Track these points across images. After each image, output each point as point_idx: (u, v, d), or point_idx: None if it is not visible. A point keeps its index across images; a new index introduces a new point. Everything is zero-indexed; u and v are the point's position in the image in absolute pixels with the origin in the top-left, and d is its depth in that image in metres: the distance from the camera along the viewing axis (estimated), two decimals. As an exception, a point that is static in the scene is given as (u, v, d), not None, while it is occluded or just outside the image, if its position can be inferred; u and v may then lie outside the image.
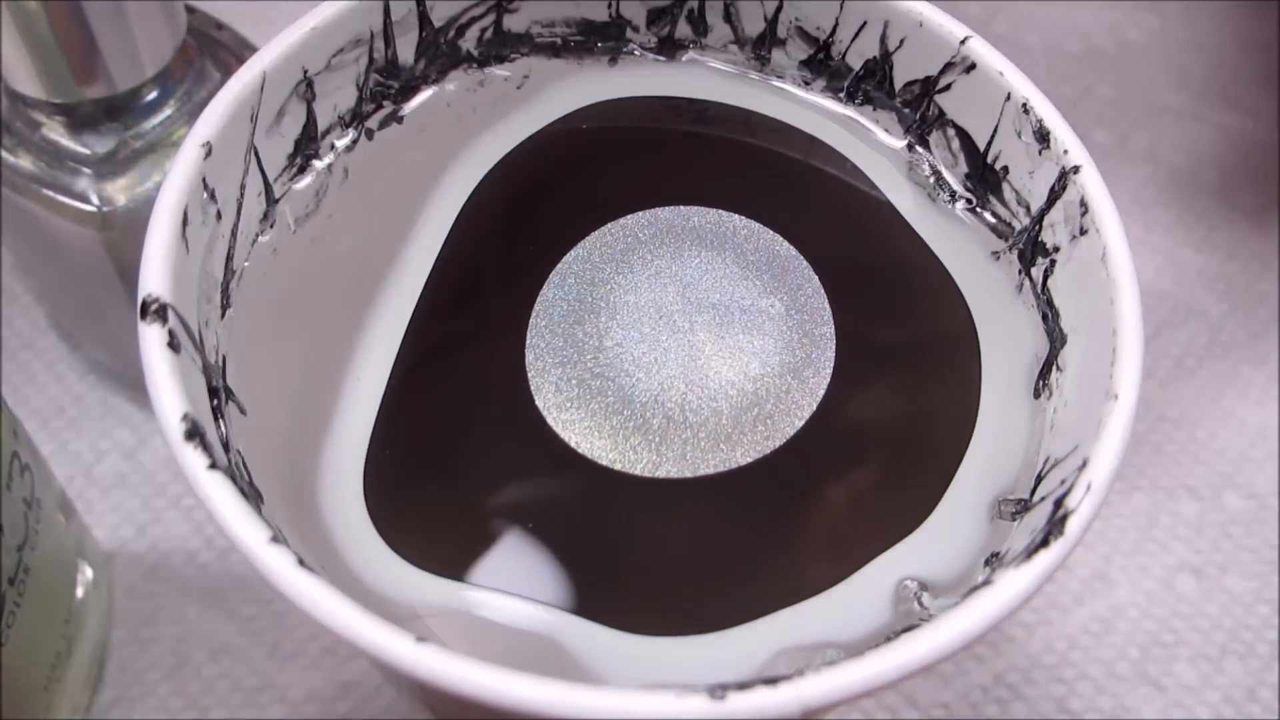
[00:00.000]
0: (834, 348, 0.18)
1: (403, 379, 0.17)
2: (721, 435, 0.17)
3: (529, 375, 0.17)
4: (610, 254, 0.19)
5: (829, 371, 0.18)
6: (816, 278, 0.19)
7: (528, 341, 0.18)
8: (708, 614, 0.16)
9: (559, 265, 0.19)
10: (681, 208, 0.19)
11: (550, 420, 0.17)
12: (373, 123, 0.19)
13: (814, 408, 0.17)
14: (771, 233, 0.19)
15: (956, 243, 0.19)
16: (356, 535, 0.16)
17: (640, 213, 0.19)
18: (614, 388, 0.17)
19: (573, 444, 0.17)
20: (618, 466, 0.17)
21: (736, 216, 0.19)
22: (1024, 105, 0.18)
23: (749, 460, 0.17)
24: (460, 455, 0.17)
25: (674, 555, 0.16)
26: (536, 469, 0.17)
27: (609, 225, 0.19)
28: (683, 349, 0.18)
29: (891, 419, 0.17)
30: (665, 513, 0.16)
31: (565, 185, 0.20)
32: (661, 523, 0.16)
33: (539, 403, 0.17)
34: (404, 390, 0.17)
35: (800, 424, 0.17)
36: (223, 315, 0.17)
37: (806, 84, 0.21)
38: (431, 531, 0.16)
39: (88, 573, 0.26)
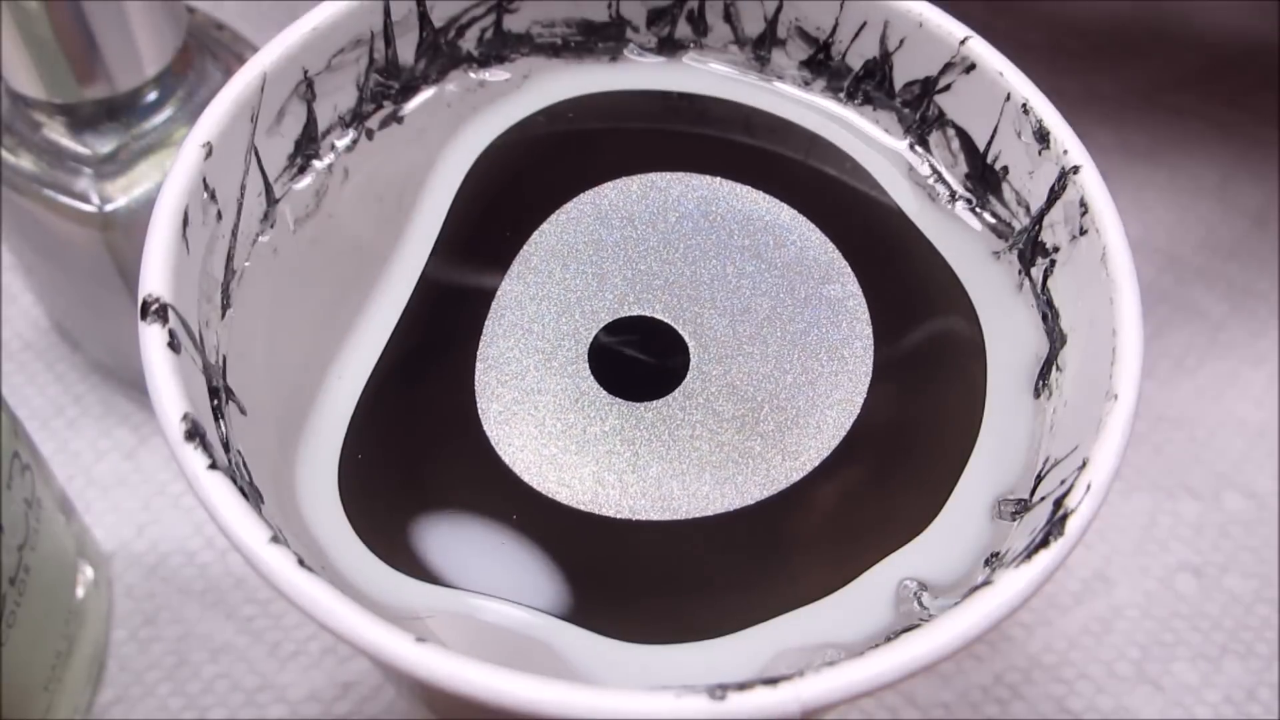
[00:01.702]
0: (871, 362, 0.17)
1: (380, 383, 0.17)
2: (721, 474, 0.16)
3: (476, 393, 0.17)
4: (579, 231, 0.18)
5: (861, 394, 0.17)
6: (849, 267, 0.18)
7: (479, 352, 0.17)
8: (706, 623, 0.15)
9: (520, 252, 0.18)
10: (666, 173, 0.19)
11: (499, 450, 0.16)
12: (373, 123, 0.19)
13: (838, 440, 0.17)
14: (792, 211, 0.18)
15: (958, 243, 0.19)
16: (337, 537, 0.16)
17: (616, 181, 0.19)
18: (582, 406, 0.17)
19: (527, 479, 0.16)
20: (586, 508, 0.16)
21: (742, 186, 0.18)
22: (1024, 105, 0.18)
23: (750, 502, 0.16)
24: (423, 468, 0.17)
25: (667, 569, 0.16)
26: (493, 496, 0.16)
27: (579, 198, 0.18)
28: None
29: (899, 422, 0.17)
30: (649, 539, 0.16)
31: (544, 172, 0.19)
32: (648, 545, 0.16)
33: (487, 428, 0.17)
34: (378, 395, 0.17)
35: (820, 459, 0.17)
36: (223, 315, 0.17)
37: (806, 84, 0.21)
38: (407, 537, 0.16)
39: (88, 573, 0.26)
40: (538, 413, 0.17)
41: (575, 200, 0.19)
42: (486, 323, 0.18)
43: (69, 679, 0.24)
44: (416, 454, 0.17)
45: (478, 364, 0.17)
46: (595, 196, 0.19)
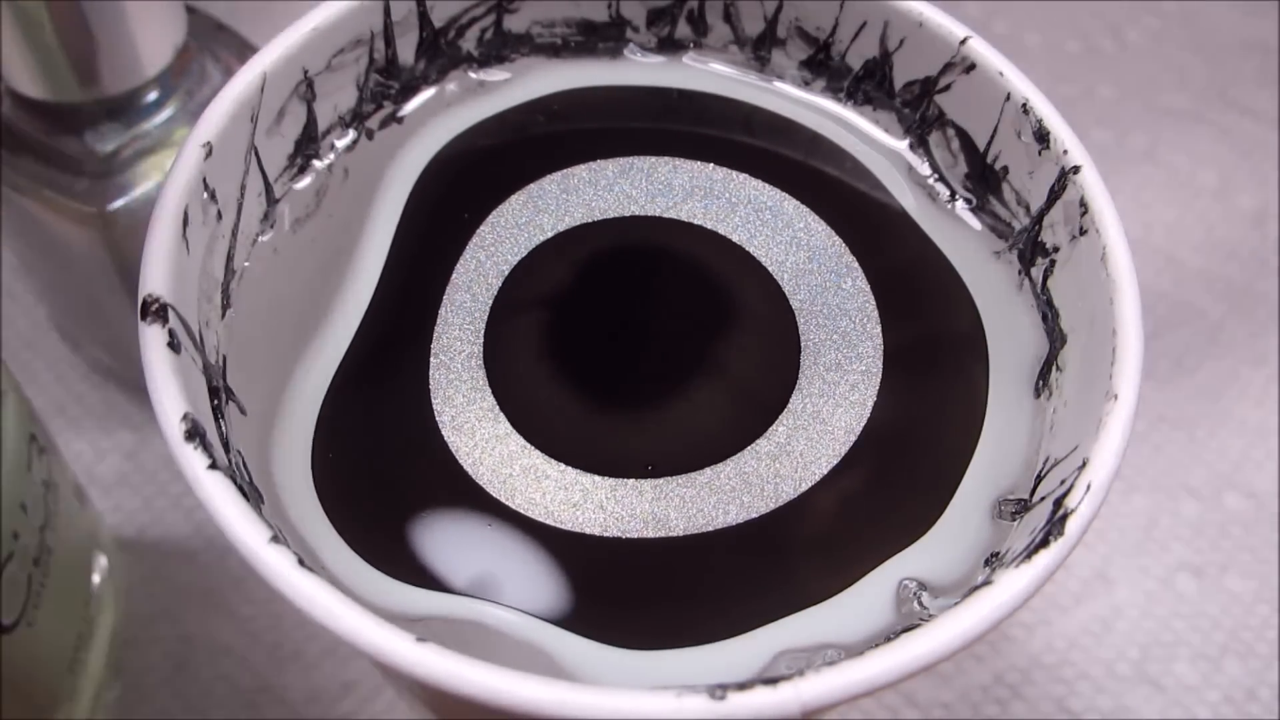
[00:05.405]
0: (881, 362, 0.17)
1: (340, 384, 0.17)
2: (726, 496, 0.16)
3: (431, 393, 0.16)
4: (541, 205, 0.17)
5: (872, 394, 0.17)
6: (856, 262, 0.17)
7: (433, 345, 0.16)
8: (706, 629, 0.15)
9: (476, 232, 0.17)
10: (650, 157, 0.18)
11: (460, 458, 0.16)
12: (373, 123, 0.19)
13: (849, 445, 0.16)
14: (795, 201, 0.18)
15: (958, 243, 0.19)
16: (320, 535, 0.16)
17: (589, 163, 0.18)
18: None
19: (493, 494, 0.16)
20: (566, 527, 0.16)
21: (739, 173, 0.18)
22: (1024, 105, 0.18)
23: (754, 516, 0.16)
24: (388, 472, 0.16)
25: (663, 578, 0.16)
26: (463, 506, 0.16)
27: (545, 178, 0.17)
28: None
29: (903, 423, 0.17)
30: (641, 552, 0.16)
31: (513, 158, 0.19)
32: (640, 557, 0.16)
33: (445, 435, 0.16)
34: (339, 395, 0.17)
35: (830, 465, 0.16)
36: (223, 315, 0.17)
37: (806, 84, 0.21)
38: (384, 538, 0.16)
39: (102, 559, 0.26)
40: (484, 425, 0.16)
41: (539, 180, 0.18)
42: (440, 310, 0.17)
43: (90, 662, 0.24)
44: (381, 457, 0.16)
45: (431, 359, 0.17)
46: (564, 177, 0.18)
